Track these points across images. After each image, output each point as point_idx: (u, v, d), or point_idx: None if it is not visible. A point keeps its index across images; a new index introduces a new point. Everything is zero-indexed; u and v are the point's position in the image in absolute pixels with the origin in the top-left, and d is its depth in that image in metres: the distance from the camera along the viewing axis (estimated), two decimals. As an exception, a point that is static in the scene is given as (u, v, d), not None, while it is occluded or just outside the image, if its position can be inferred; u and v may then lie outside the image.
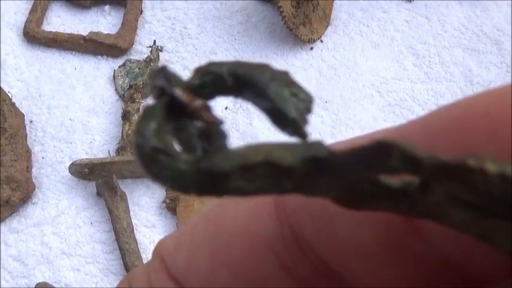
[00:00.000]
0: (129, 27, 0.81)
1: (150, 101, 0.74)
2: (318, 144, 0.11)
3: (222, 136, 0.12)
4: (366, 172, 0.11)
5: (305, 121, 0.12)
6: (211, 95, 0.13)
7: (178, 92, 0.12)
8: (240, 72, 0.12)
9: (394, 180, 0.11)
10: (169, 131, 0.12)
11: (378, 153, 0.10)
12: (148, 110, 0.12)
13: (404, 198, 0.11)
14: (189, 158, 0.11)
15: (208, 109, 0.12)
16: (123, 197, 0.69)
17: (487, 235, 0.11)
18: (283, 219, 0.14)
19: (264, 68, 0.13)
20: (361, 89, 0.78)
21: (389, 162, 0.10)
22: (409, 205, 0.11)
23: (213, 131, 0.12)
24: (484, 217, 0.11)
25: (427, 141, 0.12)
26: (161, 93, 0.12)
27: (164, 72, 0.12)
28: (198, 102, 0.12)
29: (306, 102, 0.12)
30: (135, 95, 0.75)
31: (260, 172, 0.11)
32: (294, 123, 0.12)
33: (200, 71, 0.13)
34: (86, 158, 0.71)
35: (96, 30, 0.81)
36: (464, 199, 0.10)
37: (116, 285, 0.17)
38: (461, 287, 0.13)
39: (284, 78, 0.12)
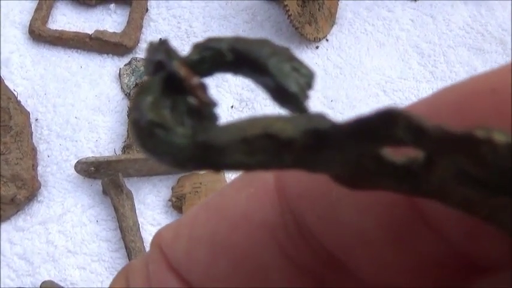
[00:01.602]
0: (135, 25, 0.81)
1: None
2: (320, 116, 0.11)
3: (213, 118, 0.12)
4: (369, 144, 0.11)
5: (306, 96, 0.12)
6: (210, 70, 0.12)
7: (176, 65, 0.12)
8: (240, 47, 0.12)
9: (398, 157, 0.11)
10: (167, 106, 0.11)
11: (383, 123, 0.10)
12: (145, 84, 0.11)
13: (408, 176, 0.11)
14: (186, 132, 0.11)
15: (204, 88, 0.12)
16: (129, 195, 0.69)
17: (493, 214, 0.11)
18: (284, 206, 0.14)
19: (265, 43, 0.12)
20: (367, 88, 0.78)
21: (395, 132, 0.10)
22: (413, 184, 0.11)
23: (206, 112, 0.12)
24: (491, 194, 0.10)
25: (432, 119, 0.12)
26: (157, 68, 0.12)
27: (165, 46, 0.12)
28: (195, 80, 0.12)
29: (307, 77, 0.12)
30: (140, 94, 0.75)
31: (260, 145, 0.11)
32: (295, 98, 0.12)
33: (199, 47, 0.12)
34: (92, 156, 0.71)
35: (101, 29, 0.81)
36: (470, 173, 0.10)
37: (117, 280, 0.17)
38: (464, 274, 0.13)
39: (285, 53, 0.12)
